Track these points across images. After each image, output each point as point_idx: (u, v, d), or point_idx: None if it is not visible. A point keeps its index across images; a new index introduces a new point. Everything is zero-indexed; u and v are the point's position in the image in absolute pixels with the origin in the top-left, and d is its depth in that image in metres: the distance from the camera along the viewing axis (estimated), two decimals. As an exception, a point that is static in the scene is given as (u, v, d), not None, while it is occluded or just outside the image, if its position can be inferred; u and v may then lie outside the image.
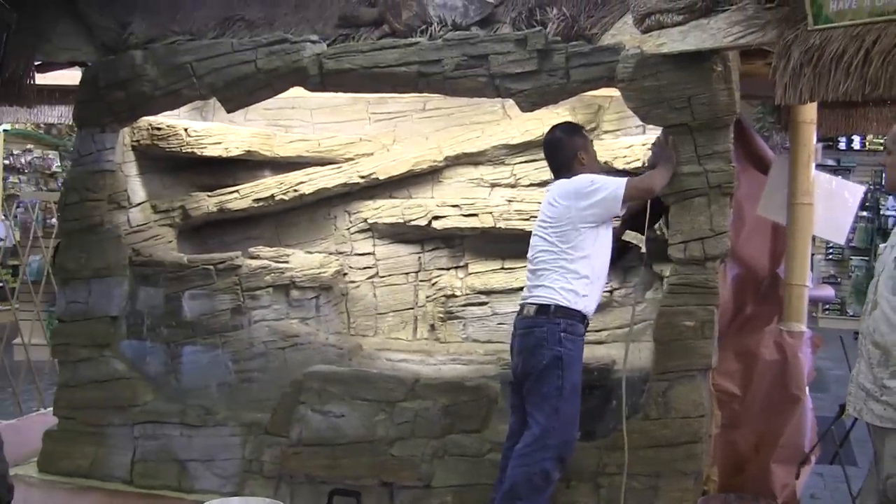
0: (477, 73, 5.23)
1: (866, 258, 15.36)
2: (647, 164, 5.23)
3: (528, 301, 4.92)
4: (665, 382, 4.93)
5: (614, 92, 5.22)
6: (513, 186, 6.61)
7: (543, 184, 6.27)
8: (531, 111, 5.30)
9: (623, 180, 4.83)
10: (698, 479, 4.96)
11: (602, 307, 6.16)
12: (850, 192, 5.82)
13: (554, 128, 5.20)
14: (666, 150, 4.92)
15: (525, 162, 6.51)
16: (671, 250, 4.92)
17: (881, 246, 4.31)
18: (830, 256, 15.99)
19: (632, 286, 5.92)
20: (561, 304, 4.79)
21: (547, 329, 4.78)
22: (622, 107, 5.32)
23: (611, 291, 6.22)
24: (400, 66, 5.33)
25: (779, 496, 5.24)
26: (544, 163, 6.14)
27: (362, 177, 6.77)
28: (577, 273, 4.81)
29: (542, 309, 4.82)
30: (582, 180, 4.89)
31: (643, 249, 5.12)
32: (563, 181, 4.96)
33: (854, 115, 6.66)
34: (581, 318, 4.84)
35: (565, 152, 5.05)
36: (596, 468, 5.04)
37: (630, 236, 5.23)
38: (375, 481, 5.36)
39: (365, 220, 6.92)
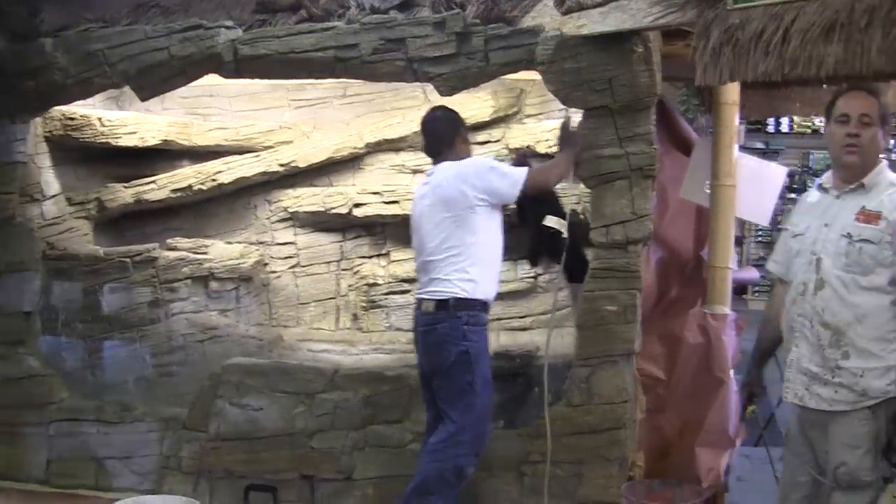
0: (395, 58, 5.13)
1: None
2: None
3: (426, 296, 4.81)
4: (588, 368, 4.86)
5: (537, 76, 5.11)
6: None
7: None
8: (450, 95, 5.19)
9: (524, 169, 4.79)
10: (623, 465, 4.91)
11: (526, 293, 6.12)
12: (774, 174, 5.77)
13: (434, 109, 5.13)
14: (568, 135, 4.88)
15: (447, 147, 6.42)
16: (593, 234, 4.85)
17: (803, 226, 4.23)
18: (760, 239, 16.06)
19: (556, 272, 5.83)
20: (460, 296, 4.70)
21: (449, 325, 4.69)
22: (545, 90, 5.22)
23: (535, 277, 6.15)
24: (316, 52, 5.21)
25: (704, 480, 5.19)
26: (466, 147, 6.09)
27: (282, 165, 6.64)
28: (472, 259, 4.73)
29: (442, 304, 4.72)
30: (481, 161, 4.87)
31: (565, 234, 5.04)
32: (452, 163, 4.85)
33: (777, 97, 6.61)
34: (482, 306, 4.76)
35: (449, 132, 4.97)
36: (519, 456, 4.97)
37: (552, 221, 5.14)
38: (295, 475, 5.26)
39: (285, 209, 6.79)
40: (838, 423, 3.99)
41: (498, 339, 5.86)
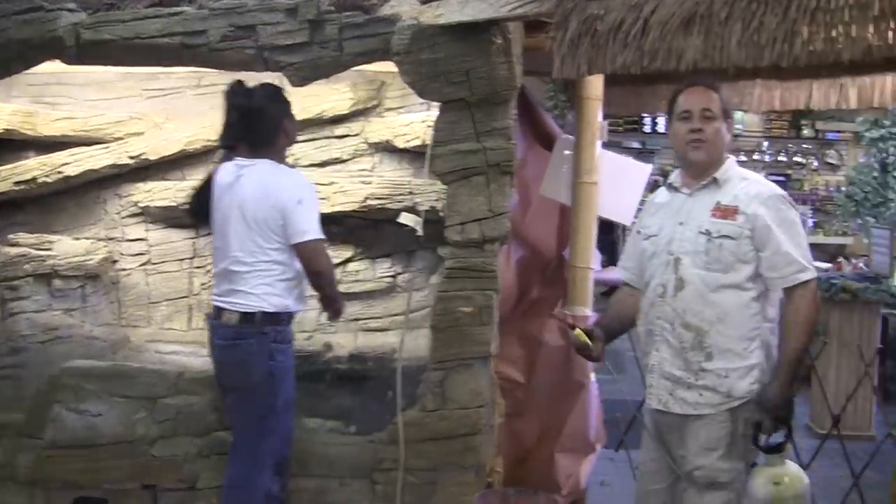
0: (245, 45, 4.84)
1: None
2: None
3: (227, 306, 4.47)
4: (442, 372, 4.67)
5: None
6: (291, 167, 6.26)
7: (324, 164, 5.95)
8: (302, 86, 4.94)
9: (321, 236, 4.48)
10: (479, 472, 4.73)
11: (385, 292, 5.92)
12: (637, 172, 5.67)
13: (250, 90, 4.68)
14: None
15: (305, 141, 6.13)
16: (447, 232, 4.65)
17: (656, 227, 4.12)
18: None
19: (415, 271, 5.66)
20: (267, 310, 4.41)
21: (255, 342, 4.39)
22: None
23: (394, 276, 5.95)
24: (163, 38, 4.90)
25: (563, 487, 5.07)
26: (325, 141, 5.88)
27: (132, 157, 6.31)
28: (280, 269, 4.46)
29: (247, 318, 4.41)
30: (292, 193, 4.45)
31: (419, 232, 4.86)
32: (270, 173, 4.51)
33: (644, 93, 6.54)
34: (288, 318, 4.51)
35: (270, 123, 4.60)
36: (371, 464, 4.75)
37: (408, 219, 4.95)
38: (136, 484, 4.94)
39: (136, 204, 6.46)
40: (697, 426, 3.92)
41: (355, 341, 5.66)
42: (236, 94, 4.66)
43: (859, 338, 8.09)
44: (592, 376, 5.20)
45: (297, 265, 4.49)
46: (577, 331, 4.22)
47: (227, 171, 4.61)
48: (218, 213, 4.58)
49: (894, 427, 5.08)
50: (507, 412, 5.11)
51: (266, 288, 4.40)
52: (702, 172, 4.02)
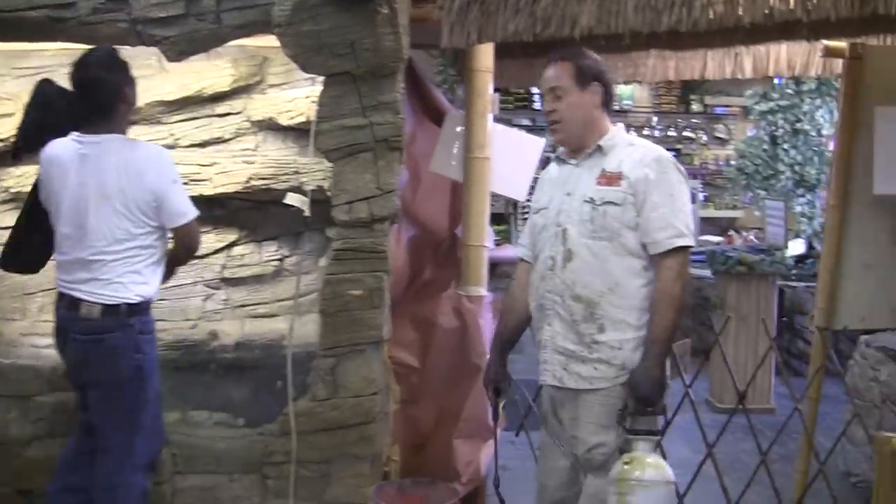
0: (117, 18, 4.57)
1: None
2: None
3: (87, 298, 4.10)
4: (332, 359, 4.46)
5: (280, 42, 4.68)
6: (171, 147, 5.97)
7: (205, 144, 5.67)
8: (179, 61, 4.68)
9: (196, 213, 4.24)
10: (375, 463, 4.54)
11: (272, 277, 5.67)
12: (530, 146, 5.51)
13: (84, 60, 4.26)
14: None
15: (184, 120, 5.83)
16: (334, 212, 4.44)
17: (546, 200, 3.98)
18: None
19: (303, 253, 5.43)
20: (132, 301, 4.10)
21: (121, 336, 4.08)
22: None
23: (281, 259, 5.71)
24: (29, 11, 4.59)
25: (463, 474, 4.89)
26: (205, 120, 5.62)
27: (1, 140, 5.96)
28: (148, 253, 4.18)
29: (111, 310, 4.08)
30: (165, 172, 4.16)
31: (306, 213, 4.63)
32: (124, 149, 4.16)
33: (536, 65, 6.35)
34: (149, 306, 4.22)
35: (106, 91, 4.20)
36: (261, 458, 4.52)
37: (294, 199, 4.72)
38: (10, 489, 4.65)
39: (7, 190, 6.09)
40: (593, 401, 3.79)
41: (242, 328, 5.40)
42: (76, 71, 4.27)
43: (757, 311, 8.08)
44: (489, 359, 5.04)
45: (165, 247, 4.24)
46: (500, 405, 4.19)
47: (64, 148, 4.23)
48: (63, 195, 4.18)
49: (800, 402, 4.97)
50: (402, 398, 4.92)
51: (133, 276, 4.11)
52: (575, 146, 3.90)
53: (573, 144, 3.89)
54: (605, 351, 3.74)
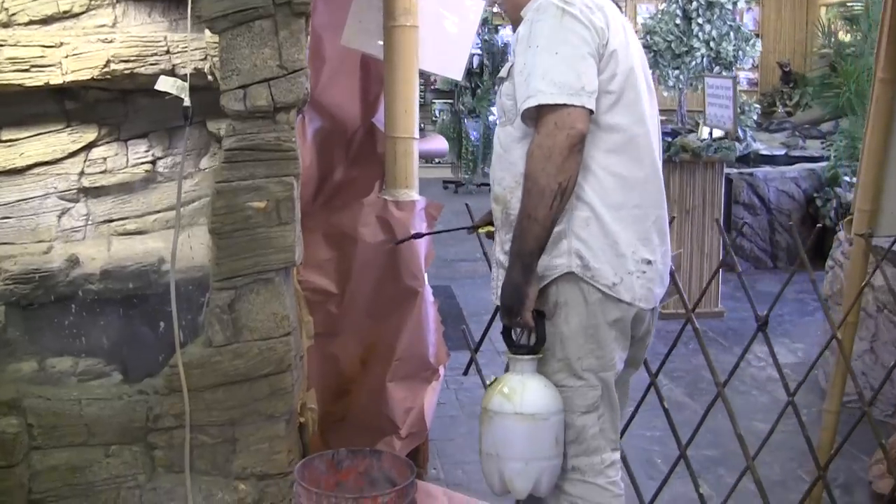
0: None
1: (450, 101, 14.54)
2: None
3: None
4: (230, 291, 3.47)
5: None
6: (6, 26, 4.81)
7: (48, 20, 4.51)
8: None
9: None
10: (292, 422, 3.59)
11: (143, 184, 4.60)
12: (467, 10, 4.47)
13: None
14: None
15: (19, -8, 4.71)
16: (224, 100, 3.45)
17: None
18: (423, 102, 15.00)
19: (179, 153, 4.39)
20: None
21: None
22: None
23: (153, 161, 4.63)
24: None
25: (402, 425, 3.98)
26: (48, -8, 4.47)
27: None
28: None
29: None
30: None
31: (186, 101, 3.59)
32: None
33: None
34: None
35: None
36: (145, 423, 3.52)
37: (167, 84, 3.66)
38: None
39: None
40: None
41: (108, 250, 4.34)
42: None
43: (703, 204, 7.28)
44: (426, 279, 4.08)
45: None
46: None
47: None
48: None
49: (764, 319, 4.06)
50: (317, 332, 3.95)
51: None
52: (515, 19, 3.16)
53: (512, 17, 3.20)
54: None
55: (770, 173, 9.31)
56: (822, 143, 11.09)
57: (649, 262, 3.01)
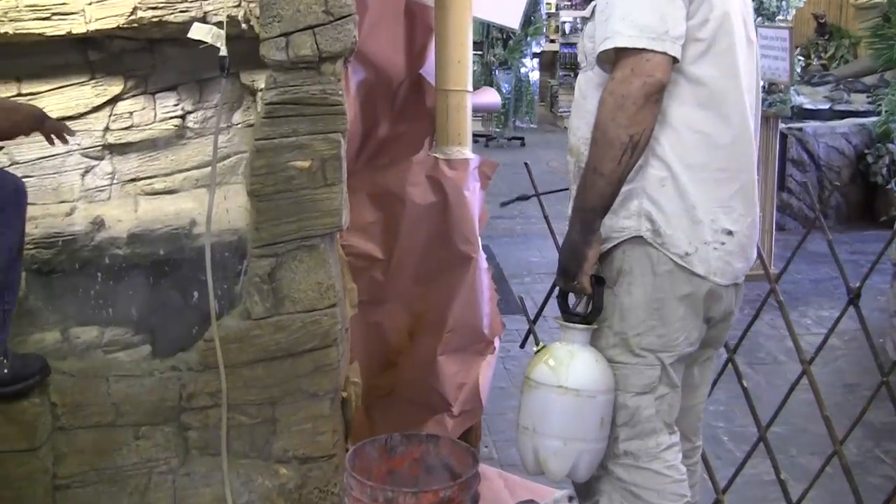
0: None
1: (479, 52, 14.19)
2: None
3: None
4: (271, 259, 3.19)
5: None
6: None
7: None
8: None
9: None
10: (336, 401, 3.31)
11: (173, 140, 4.33)
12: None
13: None
14: None
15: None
16: (265, 49, 3.16)
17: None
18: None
19: (213, 106, 4.10)
20: None
21: None
22: None
23: (183, 116, 4.35)
24: None
25: (454, 402, 3.70)
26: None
27: None
28: None
29: None
30: None
31: (222, 50, 3.31)
32: None
33: None
34: None
35: None
36: (178, 402, 3.25)
37: (201, 32, 3.37)
38: None
39: None
40: None
41: (135, 211, 4.07)
42: None
43: (758, 161, 6.97)
44: (480, 243, 3.79)
45: None
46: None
47: None
48: None
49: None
50: (361, 300, 3.66)
51: None
52: None
53: None
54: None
55: (820, 128, 8.96)
56: (868, 97, 10.71)
57: (730, 233, 2.68)
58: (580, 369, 2.65)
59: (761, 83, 3.01)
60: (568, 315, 2.73)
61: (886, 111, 8.90)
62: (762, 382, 4.45)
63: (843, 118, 9.71)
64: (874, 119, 9.19)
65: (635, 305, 2.68)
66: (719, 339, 2.97)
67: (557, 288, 2.76)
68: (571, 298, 2.74)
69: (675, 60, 2.51)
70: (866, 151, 8.81)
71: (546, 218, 3.91)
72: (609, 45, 2.51)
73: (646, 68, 2.47)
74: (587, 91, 2.73)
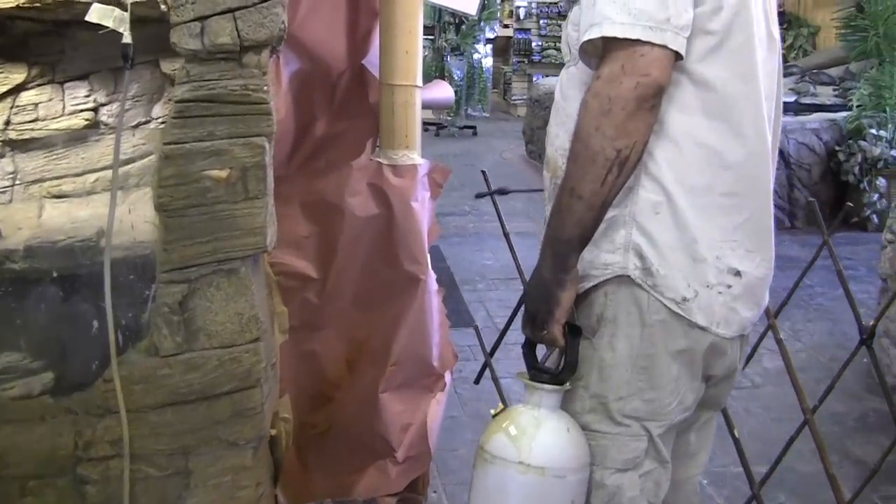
0: None
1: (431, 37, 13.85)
2: None
3: None
4: (182, 285, 2.74)
5: None
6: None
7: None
8: None
9: None
10: (261, 449, 2.86)
11: (82, 137, 3.89)
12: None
13: None
14: None
15: None
16: (175, 35, 2.70)
17: None
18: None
19: (130, 98, 3.66)
20: None
21: None
22: None
23: (95, 109, 3.90)
24: None
25: (398, 446, 3.26)
26: None
27: None
28: None
29: None
30: None
31: (126, 37, 2.85)
32: None
33: None
34: None
35: None
36: (73, 451, 2.79)
37: (103, 16, 2.91)
38: None
39: None
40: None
41: (38, 218, 3.62)
42: None
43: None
44: (429, 262, 3.34)
45: None
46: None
47: None
48: None
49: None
50: (292, 324, 3.22)
51: None
52: None
53: None
54: None
55: (789, 124, 8.60)
56: (835, 89, 10.41)
57: (738, 273, 2.19)
58: (548, 441, 2.15)
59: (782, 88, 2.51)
60: (535, 372, 2.23)
61: (858, 106, 8.56)
62: (740, 411, 4.05)
63: (809, 111, 9.37)
64: (845, 114, 8.86)
65: (618, 362, 2.19)
66: (720, 399, 2.51)
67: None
68: (540, 350, 2.26)
69: (677, 56, 2.04)
70: (837, 149, 8.49)
71: (501, 221, 3.51)
72: (595, 33, 2.03)
73: (640, 65, 1.99)
74: (568, 91, 2.26)
